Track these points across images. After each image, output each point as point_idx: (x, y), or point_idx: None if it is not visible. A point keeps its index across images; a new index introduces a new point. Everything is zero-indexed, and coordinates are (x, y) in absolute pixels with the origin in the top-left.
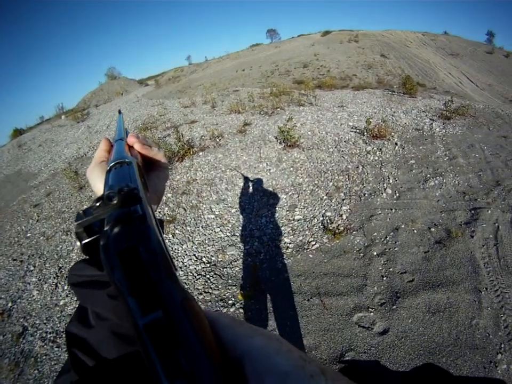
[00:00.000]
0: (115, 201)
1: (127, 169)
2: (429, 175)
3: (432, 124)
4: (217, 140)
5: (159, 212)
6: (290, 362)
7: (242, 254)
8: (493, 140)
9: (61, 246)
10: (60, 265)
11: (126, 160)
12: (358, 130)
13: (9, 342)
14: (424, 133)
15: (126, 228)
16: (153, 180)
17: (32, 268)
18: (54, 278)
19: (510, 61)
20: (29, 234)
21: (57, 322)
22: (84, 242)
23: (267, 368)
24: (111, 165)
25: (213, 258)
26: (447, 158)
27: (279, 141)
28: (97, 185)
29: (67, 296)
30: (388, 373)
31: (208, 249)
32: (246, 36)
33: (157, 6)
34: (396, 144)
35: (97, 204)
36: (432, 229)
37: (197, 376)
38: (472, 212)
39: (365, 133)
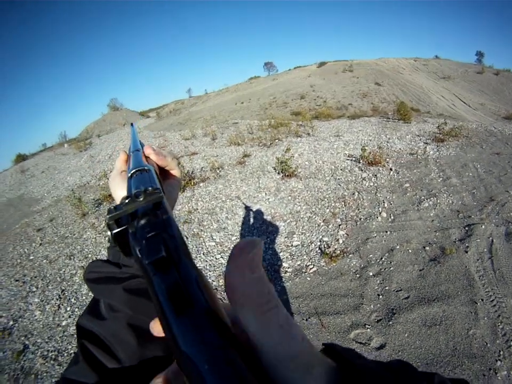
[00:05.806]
0: (141, 198)
1: (147, 175)
2: (423, 197)
3: (426, 147)
4: (218, 171)
5: None
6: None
7: None
8: (486, 158)
9: (64, 270)
10: (63, 287)
11: (145, 167)
12: (353, 158)
13: (9, 358)
14: (418, 157)
15: (151, 218)
16: (167, 187)
17: (34, 289)
18: (57, 299)
19: (500, 78)
20: (31, 257)
21: (59, 341)
22: (114, 232)
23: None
24: (131, 172)
25: (214, 283)
26: (440, 179)
27: (277, 171)
28: (117, 192)
29: (69, 317)
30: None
31: (209, 274)
32: (244, 69)
33: (159, 39)
34: (391, 169)
35: (126, 201)
36: (427, 248)
37: (208, 348)
38: (466, 228)
39: (361, 161)
